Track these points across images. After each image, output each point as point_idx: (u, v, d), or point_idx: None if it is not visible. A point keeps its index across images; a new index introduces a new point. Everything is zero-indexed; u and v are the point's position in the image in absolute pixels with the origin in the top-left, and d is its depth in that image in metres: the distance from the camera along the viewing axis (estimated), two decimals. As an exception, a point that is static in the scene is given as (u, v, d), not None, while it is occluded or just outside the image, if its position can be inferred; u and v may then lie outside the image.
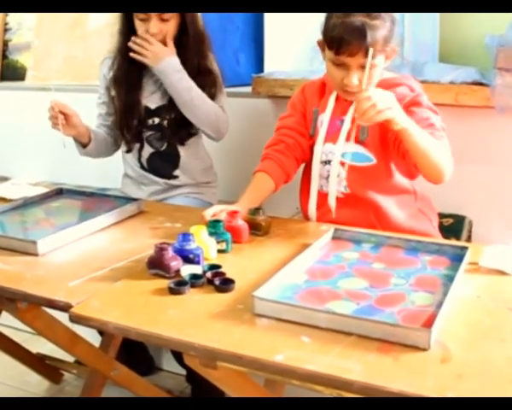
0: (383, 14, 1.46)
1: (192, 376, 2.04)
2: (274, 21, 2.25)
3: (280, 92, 2.05)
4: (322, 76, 1.68)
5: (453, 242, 1.55)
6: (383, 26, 1.45)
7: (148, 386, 1.85)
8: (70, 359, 2.10)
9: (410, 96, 1.52)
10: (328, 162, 1.61)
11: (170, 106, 1.94)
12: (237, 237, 1.41)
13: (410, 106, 1.50)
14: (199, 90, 1.89)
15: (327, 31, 1.49)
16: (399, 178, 1.60)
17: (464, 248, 1.30)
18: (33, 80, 2.72)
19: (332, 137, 1.61)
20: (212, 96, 1.95)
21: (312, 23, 2.16)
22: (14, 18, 2.90)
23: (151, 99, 1.98)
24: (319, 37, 1.54)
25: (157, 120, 1.97)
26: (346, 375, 0.89)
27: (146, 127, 1.98)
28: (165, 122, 1.97)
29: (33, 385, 2.19)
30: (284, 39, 2.26)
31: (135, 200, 1.72)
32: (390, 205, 1.58)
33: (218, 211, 1.49)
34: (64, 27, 2.66)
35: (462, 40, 2.06)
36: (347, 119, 1.58)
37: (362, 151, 1.57)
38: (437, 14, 2.04)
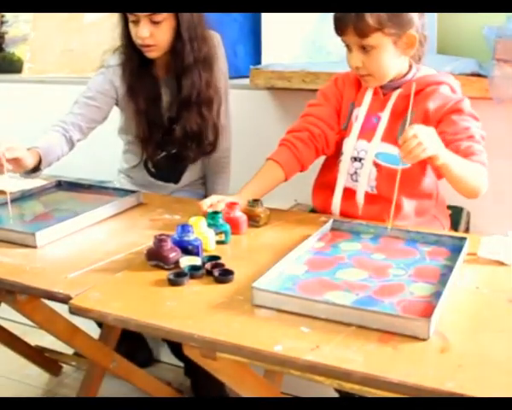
0: None
1: (191, 369, 2.04)
2: (271, 14, 2.24)
3: (277, 84, 2.05)
4: None
5: (452, 233, 1.55)
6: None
7: (148, 378, 1.85)
8: (69, 351, 2.10)
9: (453, 100, 1.47)
10: (357, 159, 1.57)
11: (181, 114, 1.83)
12: (236, 228, 1.41)
13: (451, 113, 1.45)
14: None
15: None
16: (427, 184, 1.56)
17: (463, 239, 1.31)
18: (30, 73, 2.71)
19: (365, 133, 1.56)
20: (213, 119, 1.83)
21: (309, 15, 2.17)
22: (11, 11, 2.89)
23: (171, 108, 1.85)
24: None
25: (177, 128, 1.84)
26: (345, 365, 0.90)
27: (168, 137, 1.86)
28: (178, 129, 1.84)
29: (33, 378, 2.19)
30: (282, 31, 2.26)
31: (134, 192, 1.71)
32: (411, 210, 1.54)
33: (214, 201, 1.48)
34: (60, 20, 2.66)
35: (460, 31, 2.05)
36: (384, 116, 1.53)
37: (397, 153, 1.50)
38: (435, 6, 2.03)
